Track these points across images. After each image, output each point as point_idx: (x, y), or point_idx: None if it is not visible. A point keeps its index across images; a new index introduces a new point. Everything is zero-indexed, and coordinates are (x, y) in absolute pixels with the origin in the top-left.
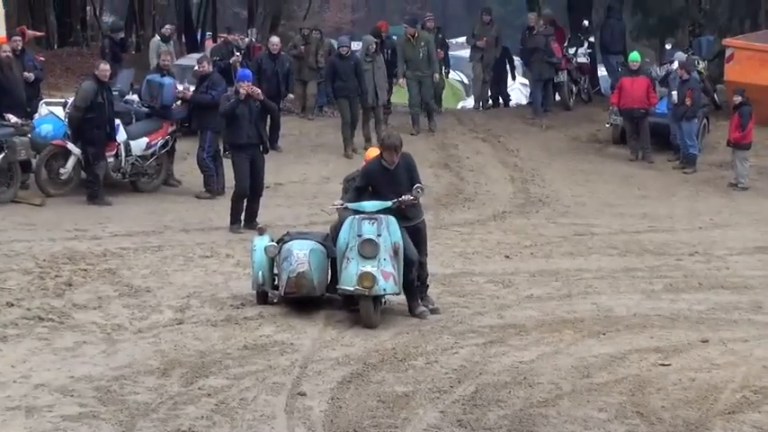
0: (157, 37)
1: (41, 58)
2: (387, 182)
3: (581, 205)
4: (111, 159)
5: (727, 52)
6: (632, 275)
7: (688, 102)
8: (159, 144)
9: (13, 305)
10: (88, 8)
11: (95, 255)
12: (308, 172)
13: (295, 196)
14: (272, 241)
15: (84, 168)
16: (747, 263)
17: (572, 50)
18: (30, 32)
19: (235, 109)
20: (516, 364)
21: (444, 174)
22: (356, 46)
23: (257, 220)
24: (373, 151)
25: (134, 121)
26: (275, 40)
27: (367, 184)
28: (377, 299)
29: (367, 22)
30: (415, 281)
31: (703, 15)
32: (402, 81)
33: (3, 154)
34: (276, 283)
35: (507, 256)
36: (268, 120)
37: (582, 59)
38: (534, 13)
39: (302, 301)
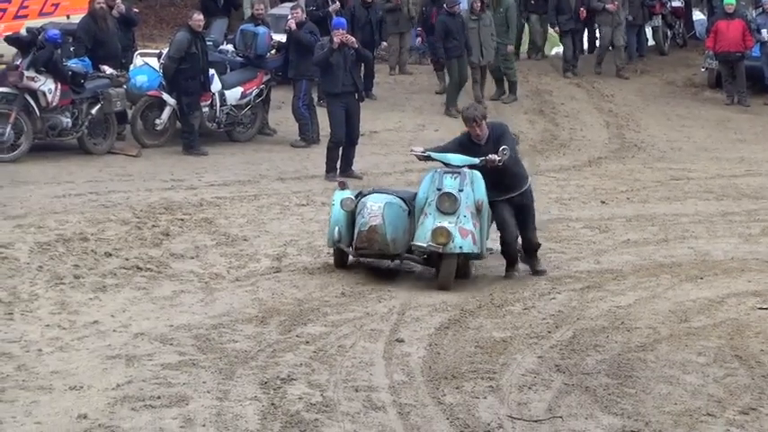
0: None
1: (136, 10)
2: (475, 156)
3: (677, 150)
4: (205, 109)
5: None
6: (729, 219)
7: None
8: (254, 93)
9: (111, 255)
10: None
11: (192, 204)
12: (402, 120)
13: (390, 144)
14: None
15: (179, 119)
16: None
17: None
18: None
19: (329, 57)
20: (614, 309)
21: (539, 120)
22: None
23: (353, 168)
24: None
25: (228, 70)
26: None
27: (454, 151)
28: (463, 260)
29: None
30: (512, 252)
31: None
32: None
33: (99, 105)
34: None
35: (603, 202)
36: (362, 68)
37: (676, 3)
38: None
39: (375, 262)
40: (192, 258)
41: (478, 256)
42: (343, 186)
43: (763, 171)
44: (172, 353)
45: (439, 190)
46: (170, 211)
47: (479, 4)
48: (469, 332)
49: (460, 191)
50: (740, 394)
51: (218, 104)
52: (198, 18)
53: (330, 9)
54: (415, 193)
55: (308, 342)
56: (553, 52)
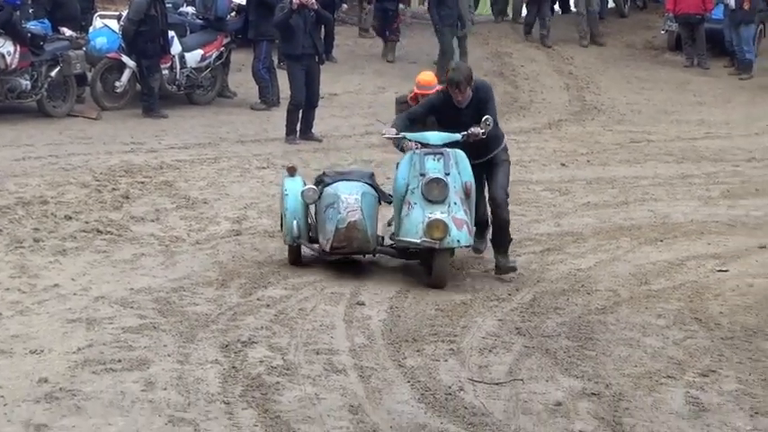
0: None
1: None
2: (453, 119)
3: (637, 112)
4: (165, 72)
5: None
6: (689, 182)
7: (746, 6)
8: (214, 56)
9: (71, 218)
10: None
11: (152, 167)
12: (362, 82)
13: (350, 107)
14: (308, 184)
15: (139, 81)
16: None
17: None
18: None
19: (289, 19)
20: (574, 272)
21: (499, 82)
22: None
23: (313, 130)
24: (427, 75)
25: (188, 33)
26: None
27: (427, 115)
28: (451, 252)
29: None
30: (505, 230)
31: None
32: None
33: (58, 68)
34: (312, 235)
35: (563, 164)
36: (322, 30)
37: None
38: None
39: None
40: (153, 221)
41: (470, 246)
42: (292, 172)
43: (723, 134)
44: (132, 316)
45: (423, 175)
46: (130, 174)
47: None
48: (430, 295)
49: (447, 174)
50: (700, 356)
51: (177, 67)
52: None
53: None
54: (371, 173)
55: (268, 305)
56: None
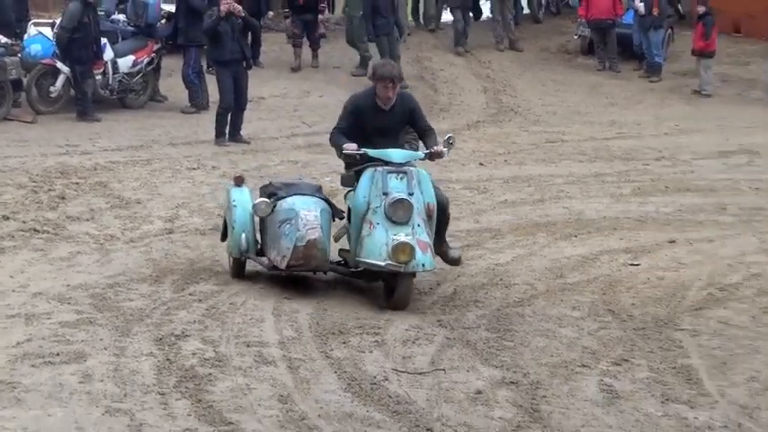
0: None
1: None
2: (377, 125)
3: (552, 114)
4: (98, 77)
5: None
6: (602, 180)
7: (655, 12)
8: (145, 61)
9: (8, 218)
10: None
11: (87, 169)
12: (288, 87)
13: (277, 110)
14: (259, 197)
15: (73, 86)
16: (711, 166)
17: None
18: None
19: (217, 26)
20: (492, 266)
21: (419, 86)
22: None
23: (241, 133)
24: None
25: (120, 39)
26: None
27: (352, 124)
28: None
29: None
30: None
31: None
32: None
33: None
34: (259, 248)
35: (482, 164)
36: (249, 36)
37: None
38: None
39: (299, 277)
40: (88, 221)
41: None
42: (239, 182)
43: (634, 134)
44: (69, 311)
45: (386, 194)
46: (65, 176)
47: None
48: (355, 290)
49: (410, 194)
50: (613, 346)
51: (110, 72)
52: None
53: None
54: (319, 186)
55: (200, 300)
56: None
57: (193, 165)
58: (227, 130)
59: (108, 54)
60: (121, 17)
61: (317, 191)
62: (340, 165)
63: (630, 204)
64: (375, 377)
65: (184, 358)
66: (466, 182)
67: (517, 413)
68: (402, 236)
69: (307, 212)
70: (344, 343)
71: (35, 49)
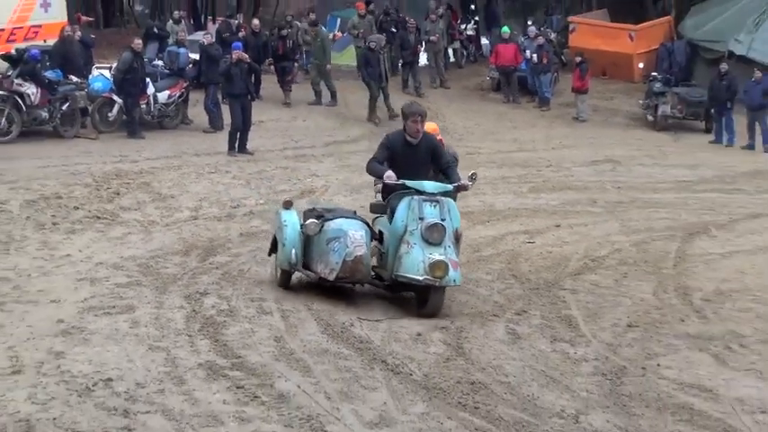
0: (174, 22)
1: (93, 36)
2: (407, 159)
3: (470, 134)
4: (143, 106)
5: (571, 27)
6: (507, 181)
7: (545, 60)
8: (177, 95)
9: (78, 208)
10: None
11: (134, 173)
12: (280, 114)
13: (272, 131)
14: (305, 217)
15: (125, 113)
16: (585, 171)
17: (463, 26)
18: (84, 18)
19: (230, 69)
20: None
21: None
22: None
23: (247, 147)
24: (431, 125)
25: (159, 79)
26: (256, 22)
27: (387, 157)
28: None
29: (321, 8)
30: None
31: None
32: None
33: (68, 103)
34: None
35: None
36: (253, 77)
37: (470, 32)
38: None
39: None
40: (135, 210)
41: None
42: (288, 206)
43: (529, 148)
44: (122, 276)
45: (422, 219)
46: (119, 177)
47: (384, 42)
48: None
49: (443, 219)
50: (515, 301)
51: (152, 103)
52: (137, 42)
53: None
54: (354, 211)
55: (217, 267)
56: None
57: (212, 170)
58: (236, 145)
59: (150, 89)
60: (160, 63)
61: (351, 214)
62: (318, 169)
63: (527, 199)
64: (344, 323)
65: (206, 310)
66: None
67: (447, 349)
68: (436, 255)
69: (354, 232)
70: (323, 299)
71: (97, 85)
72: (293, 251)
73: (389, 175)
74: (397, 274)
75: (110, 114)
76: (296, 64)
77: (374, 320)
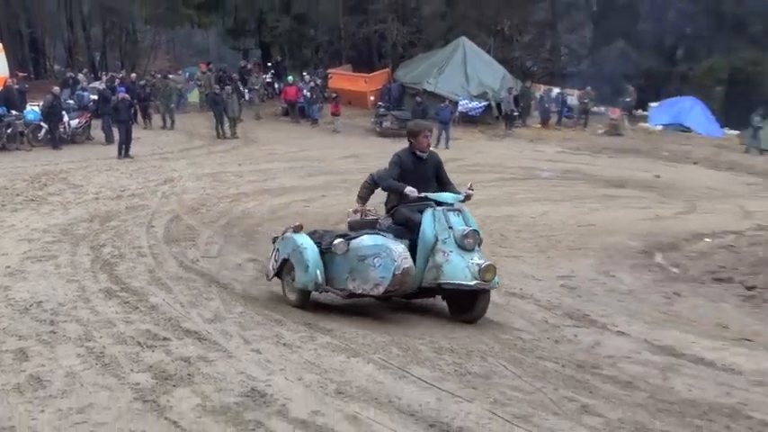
0: (81, 75)
1: (27, 85)
2: (418, 173)
3: (272, 142)
4: (61, 129)
5: (329, 75)
6: (293, 170)
7: (314, 96)
8: (84, 122)
9: (19, 195)
10: (47, 61)
11: (56, 172)
12: (148, 134)
13: (145, 143)
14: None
15: (49, 133)
16: (340, 163)
17: (264, 76)
18: (20, 74)
19: (117, 105)
20: (246, 208)
21: (242, 145)
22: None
23: (130, 153)
24: None
25: (71, 111)
26: (134, 75)
27: (398, 174)
28: None
29: (179, 64)
30: None
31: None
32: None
33: (11, 128)
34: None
35: (240, 164)
36: (136, 108)
37: (269, 80)
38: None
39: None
40: (58, 195)
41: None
42: (298, 229)
43: (306, 149)
44: (49, 237)
45: (451, 228)
46: (46, 175)
47: (230, 88)
48: (183, 222)
49: (469, 227)
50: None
51: (67, 127)
52: (56, 89)
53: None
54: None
55: (112, 229)
56: None
57: (107, 168)
58: (122, 153)
59: (65, 118)
60: (71, 101)
61: (374, 230)
62: (176, 166)
63: (305, 180)
64: (192, 260)
65: (104, 255)
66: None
67: (257, 273)
68: (477, 259)
69: (396, 246)
70: (178, 244)
71: (30, 116)
72: (318, 272)
73: (411, 190)
74: (440, 281)
75: (39, 135)
76: (154, 103)
77: (211, 257)
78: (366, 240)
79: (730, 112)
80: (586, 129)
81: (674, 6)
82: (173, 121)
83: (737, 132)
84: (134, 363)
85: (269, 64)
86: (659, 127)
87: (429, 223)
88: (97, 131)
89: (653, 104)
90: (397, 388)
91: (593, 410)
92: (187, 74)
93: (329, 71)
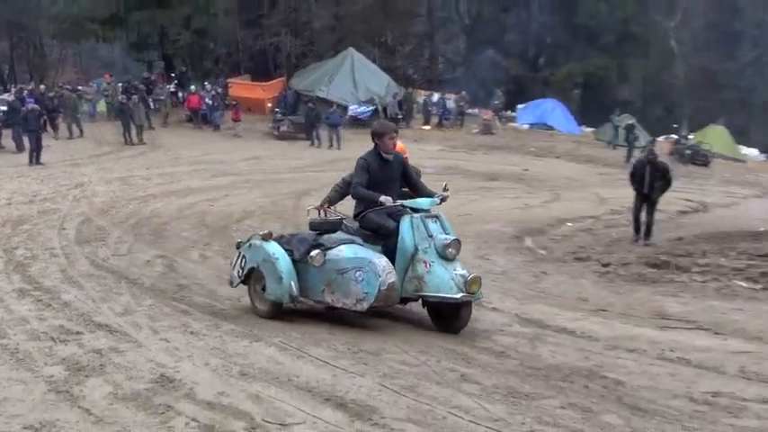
0: None
1: None
2: (384, 175)
3: (178, 146)
4: None
5: (229, 84)
6: (197, 171)
7: (216, 104)
8: None
9: None
10: None
11: None
12: (57, 143)
13: (55, 150)
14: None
15: None
16: (241, 164)
17: (168, 86)
18: None
19: (27, 115)
20: (155, 209)
21: (158, 155)
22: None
23: (41, 160)
24: (400, 144)
25: None
26: (42, 87)
27: (366, 179)
28: None
29: (87, 75)
30: None
31: None
32: None
33: None
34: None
35: (147, 168)
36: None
37: (173, 89)
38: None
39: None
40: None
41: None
42: (267, 237)
43: (210, 153)
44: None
45: (431, 236)
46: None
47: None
48: (93, 224)
49: (448, 234)
50: (203, 238)
51: None
52: None
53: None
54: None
55: (24, 232)
56: None
57: (19, 174)
58: (33, 160)
59: None
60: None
61: (313, 238)
62: (85, 172)
63: (209, 181)
64: (103, 258)
65: (17, 257)
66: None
67: (164, 268)
68: (459, 269)
69: (378, 259)
70: (89, 245)
71: None
72: (292, 284)
73: (386, 199)
74: (424, 294)
75: None
76: (63, 113)
77: (121, 255)
78: (345, 252)
79: (586, 112)
80: (462, 129)
81: (537, 20)
82: (81, 130)
83: (593, 129)
84: (47, 357)
85: (173, 74)
86: (526, 126)
87: (407, 232)
88: (8, 141)
89: (520, 106)
90: (295, 367)
91: (470, 378)
92: (95, 85)
93: (229, 80)
